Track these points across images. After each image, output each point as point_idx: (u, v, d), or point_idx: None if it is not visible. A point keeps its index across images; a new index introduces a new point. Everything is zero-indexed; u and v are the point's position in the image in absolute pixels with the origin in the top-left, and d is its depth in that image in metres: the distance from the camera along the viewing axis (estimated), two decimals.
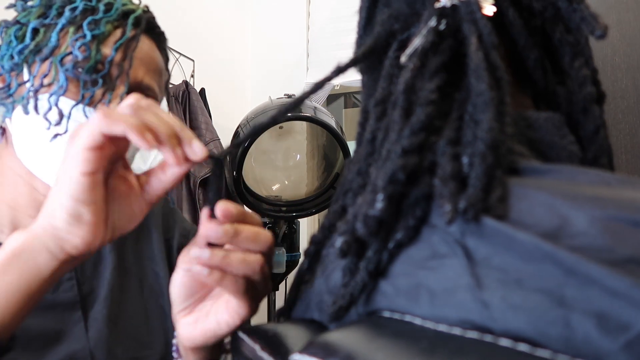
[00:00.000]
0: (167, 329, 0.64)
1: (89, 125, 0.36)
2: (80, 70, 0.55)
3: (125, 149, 0.39)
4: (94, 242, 0.38)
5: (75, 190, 0.36)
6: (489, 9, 0.30)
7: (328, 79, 0.33)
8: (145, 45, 0.62)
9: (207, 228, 0.35)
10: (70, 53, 0.55)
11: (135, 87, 0.59)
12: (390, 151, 0.27)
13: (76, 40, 0.55)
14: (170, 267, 0.69)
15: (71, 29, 0.56)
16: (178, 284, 0.39)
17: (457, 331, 0.22)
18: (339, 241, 0.28)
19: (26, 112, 0.55)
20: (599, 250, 0.20)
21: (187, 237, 0.73)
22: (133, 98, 0.38)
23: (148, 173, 0.41)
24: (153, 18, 0.64)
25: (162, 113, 0.38)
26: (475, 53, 0.28)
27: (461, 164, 0.27)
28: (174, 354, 0.46)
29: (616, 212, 0.21)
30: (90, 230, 0.38)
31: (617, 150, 0.79)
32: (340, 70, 0.33)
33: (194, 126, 1.88)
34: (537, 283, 0.21)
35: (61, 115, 0.54)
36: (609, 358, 0.18)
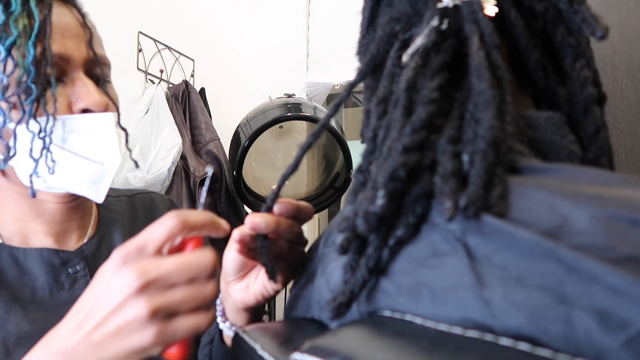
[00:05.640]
0: None
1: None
2: (10, 90, 0.50)
3: None
4: None
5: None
6: (491, 10, 0.30)
7: (350, 86, 0.36)
8: (66, 17, 0.54)
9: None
10: None
11: (92, 64, 0.55)
12: (391, 149, 0.27)
13: None
14: None
15: None
16: (231, 259, 0.47)
17: (457, 330, 0.22)
18: (339, 238, 0.28)
19: None
20: (600, 249, 0.21)
21: None
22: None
23: None
24: None
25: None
26: (476, 52, 0.28)
27: (461, 161, 0.27)
28: (219, 318, 0.52)
29: (616, 211, 0.22)
30: None
31: (617, 150, 0.79)
32: (355, 83, 0.36)
33: (194, 126, 1.87)
34: (538, 280, 0.21)
35: (7, 147, 0.52)
36: (609, 355, 0.18)
